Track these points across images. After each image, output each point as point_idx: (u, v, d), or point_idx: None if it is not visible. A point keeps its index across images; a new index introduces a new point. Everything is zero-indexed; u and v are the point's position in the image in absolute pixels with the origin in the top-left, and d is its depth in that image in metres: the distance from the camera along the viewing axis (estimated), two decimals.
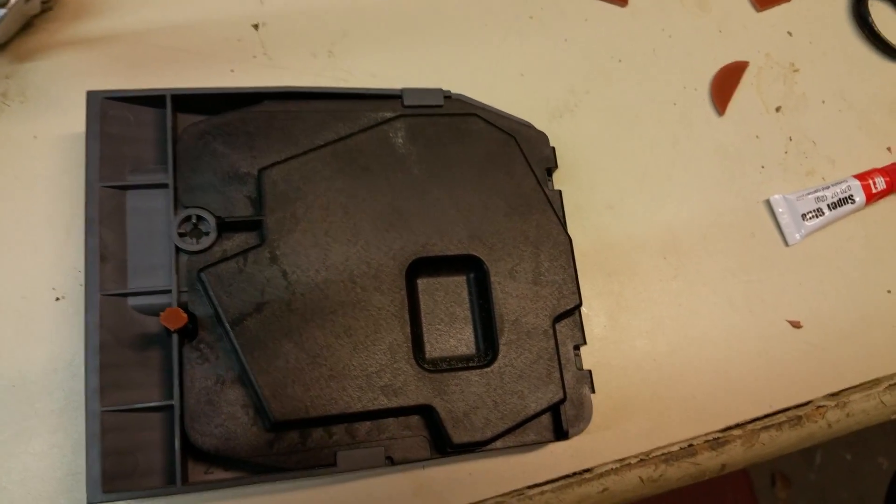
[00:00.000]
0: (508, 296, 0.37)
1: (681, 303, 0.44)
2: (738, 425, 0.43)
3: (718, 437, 0.43)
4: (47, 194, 0.40)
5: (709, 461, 0.42)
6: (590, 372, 0.39)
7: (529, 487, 0.40)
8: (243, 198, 0.37)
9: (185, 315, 0.33)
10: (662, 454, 0.42)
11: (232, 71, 0.43)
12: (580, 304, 0.38)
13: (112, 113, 0.37)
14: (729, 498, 1.21)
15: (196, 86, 0.40)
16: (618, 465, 0.41)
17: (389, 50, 0.45)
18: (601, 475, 0.41)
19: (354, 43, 0.45)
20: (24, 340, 0.37)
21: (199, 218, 0.36)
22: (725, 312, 0.45)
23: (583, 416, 0.38)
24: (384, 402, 0.35)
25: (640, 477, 0.41)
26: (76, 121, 0.40)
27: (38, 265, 0.39)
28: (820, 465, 1.31)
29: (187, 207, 0.36)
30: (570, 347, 0.39)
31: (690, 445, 0.42)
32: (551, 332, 0.37)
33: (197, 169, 0.37)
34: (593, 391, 0.38)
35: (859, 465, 1.30)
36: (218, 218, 0.36)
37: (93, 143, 0.36)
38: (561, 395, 0.36)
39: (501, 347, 0.37)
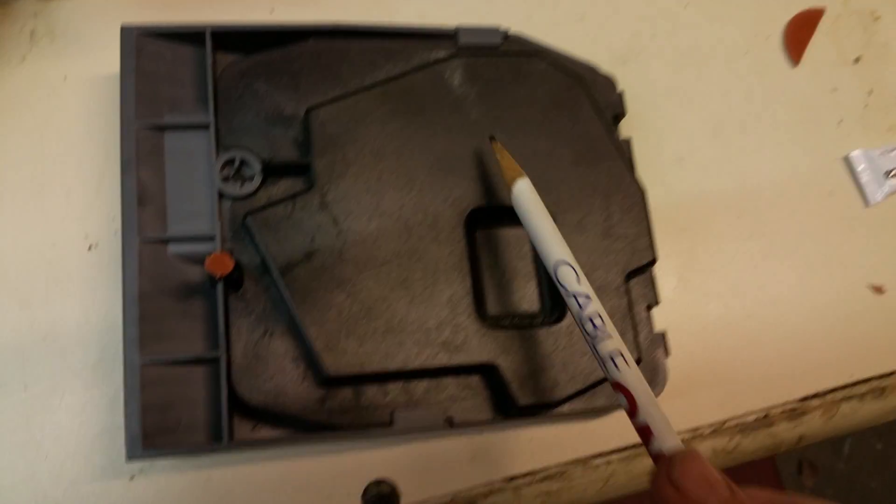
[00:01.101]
0: (577, 249, 0.34)
1: (756, 264, 0.41)
2: (816, 395, 0.40)
3: (796, 408, 0.40)
4: (79, 138, 0.37)
5: (786, 433, 0.39)
6: (664, 334, 0.36)
7: (594, 456, 0.37)
8: (289, 141, 0.34)
9: (231, 260, 0.30)
10: (737, 424, 0.39)
11: (272, 11, 0.40)
12: (655, 261, 0.35)
13: (148, 49, 0.34)
14: (754, 484, 1.18)
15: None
16: (690, 435, 0.38)
17: None
18: None
19: None
20: (56, 291, 0.35)
21: (243, 161, 0.34)
22: (803, 275, 0.41)
23: (657, 380, 0.35)
24: (445, 359, 0.32)
25: (713, 448, 0.38)
26: (108, 61, 0.38)
27: (70, 212, 0.36)
28: (849, 455, 1.27)
29: (230, 149, 0.34)
30: (643, 307, 0.36)
31: (766, 416, 0.39)
32: (624, 289, 0.34)
33: (239, 110, 0.34)
34: (668, 354, 0.35)
35: (890, 455, 1.26)
36: (263, 161, 0.33)
37: (128, 80, 0.34)
38: (635, 356, 0.33)
39: None
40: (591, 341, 0.26)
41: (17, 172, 0.36)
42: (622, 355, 0.25)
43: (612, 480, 0.37)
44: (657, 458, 0.23)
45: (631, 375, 0.25)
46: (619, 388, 0.25)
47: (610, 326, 0.26)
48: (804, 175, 0.43)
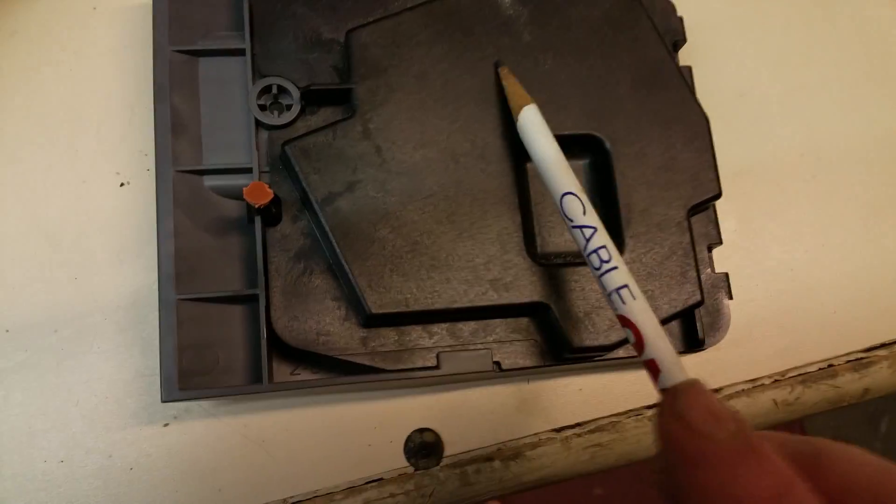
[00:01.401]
0: (635, 182, 0.32)
1: (820, 207, 0.38)
2: (883, 346, 0.38)
3: (861, 358, 0.37)
4: (109, 71, 0.35)
5: (850, 384, 0.37)
6: (726, 275, 0.33)
7: (649, 407, 0.35)
8: (328, 67, 0.32)
9: (270, 190, 0.28)
10: (799, 375, 0.37)
11: None
12: (719, 195, 0.33)
13: None
14: None
15: None
16: (749, 385, 0.36)
17: None
18: (730, 396, 0.36)
19: None
20: (87, 230, 0.34)
21: (280, 88, 0.32)
22: (870, 219, 0.39)
23: (719, 324, 0.33)
24: (494, 298, 0.30)
25: (773, 400, 0.36)
26: None
27: (101, 147, 0.35)
28: (886, 433, 1.24)
29: (266, 76, 0.32)
30: (704, 247, 0.33)
31: (830, 366, 0.37)
32: (686, 224, 0.32)
33: (275, 35, 0.32)
34: (731, 297, 0.33)
35: None
36: (301, 88, 0.31)
37: (161, 3, 0.32)
38: (698, 296, 0.31)
39: (628, 241, 0.31)
40: (597, 274, 0.25)
41: (46, 108, 0.35)
42: (629, 288, 0.24)
43: None
44: (664, 393, 0.21)
45: (638, 309, 0.24)
46: (626, 322, 0.24)
47: (617, 258, 0.25)
48: (871, 112, 0.40)
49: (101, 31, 0.36)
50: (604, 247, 0.25)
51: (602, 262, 0.25)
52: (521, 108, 0.30)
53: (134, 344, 0.33)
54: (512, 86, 0.31)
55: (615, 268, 0.25)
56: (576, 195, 0.26)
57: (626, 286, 0.24)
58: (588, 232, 0.25)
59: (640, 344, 0.23)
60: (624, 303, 0.24)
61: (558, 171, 0.27)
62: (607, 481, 1.09)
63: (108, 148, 0.35)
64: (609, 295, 0.25)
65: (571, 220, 0.26)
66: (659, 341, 0.23)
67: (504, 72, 0.32)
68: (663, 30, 0.35)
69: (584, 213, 0.26)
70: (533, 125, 0.29)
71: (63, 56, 0.35)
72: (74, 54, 0.36)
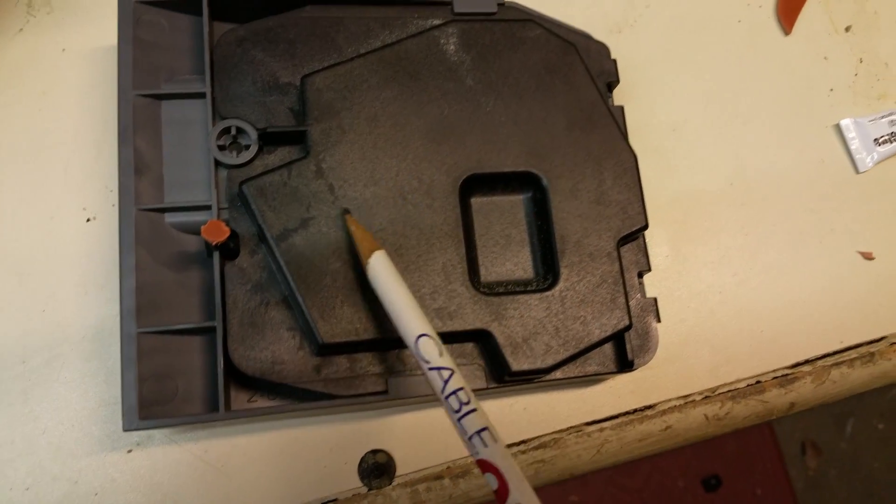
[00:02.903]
0: (569, 215, 0.35)
1: (748, 232, 0.41)
2: (807, 361, 0.41)
3: (787, 374, 0.40)
4: (77, 110, 0.37)
5: (777, 399, 0.40)
6: (655, 300, 0.36)
7: (588, 424, 0.37)
8: (285, 109, 0.34)
9: (227, 228, 0.30)
10: (729, 391, 0.39)
11: None
12: (646, 226, 0.35)
13: (145, 18, 0.34)
14: (758, 465, 1.19)
15: None
16: (681, 401, 0.39)
17: None
18: (664, 412, 0.38)
19: None
20: (54, 263, 0.35)
21: (239, 129, 0.34)
22: (794, 242, 0.42)
23: (648, 346, 0.35)
24: (438, 326, 0.32)
25: (704, 414, 0.39)
26: (106, 32, 0.38)
27: (68, 184, 0.36)
28: (851, 435, 1.28)
29: (226, 118, 0.34)
30: (634, 274, 0.36)
31: (758, 382, 0.40)
32: (616, 254, 0.35)
33: (235, 78, 0.34)
34: (659, 320, 0.36)
35: (892, 435, 1.27)
36: (259, 129, 0.33)
37: (125, 49, 0.34)
38: (627, 321, 0.34)
39: (562, 270, 0.34)
40: (456, 417, 0.24)
41: (16, 146, 0.36)
42: (490, 431, 0.24)
43: (605, 448, 0.37)
44: None
45: (501, 453, 0.24)
46: (488, 467, 0.23)
47: (476, 401, 0.25)
48: (795, 143, 0.43)
49: (69, 71, 0.38)
50: (462, 389, 0.25)
51: (462, 404, 0.24)
52: (370, 254, 0.29)
53: (99, 373, 0.34)
54: (359, 233, 0.31)
55: (474, 410, 0.24)
56: (431, 337, 0.26)
57: (486, 429, 0.24)
58: (445, 374, 0.25)
59: (503, 490, 0.23)
60: (486, 446, 0.24)
61: (411, 315, 0.27)
62: (582, 488, 1.11)
63: (75, 184, 0.36)
64: (469, 438, 0.24)
65: (428, 362, 0.26)
66: (524, 485, 0.23)
67: (349, 219, 0.32)
68: (598, 72, 0.38)
69: (441, 354, 0.26)
70: (383, 271, 0.29)
71: (33, 96, 0.37)
72: (43, 94, 0.37)
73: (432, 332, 0.27)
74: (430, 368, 0.26)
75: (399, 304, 0.28)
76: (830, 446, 1.27)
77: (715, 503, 1.16)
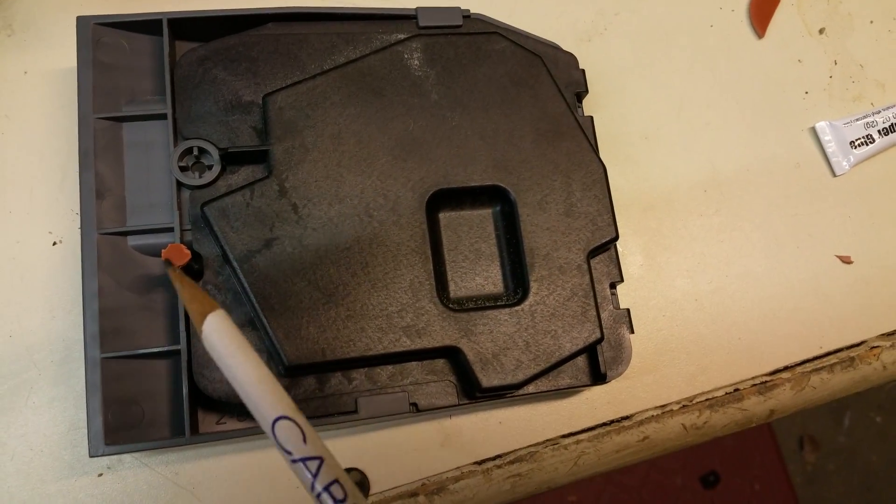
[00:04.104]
0: (538, 229, 0.34)
1: (723, 239, 0.41)
2: (786, 368, 0.40)
3: (766, 381, 0.40)
4: (40, 133, 0.37)
5: (756, 406, 0.39)
6: (628, 311, 0.36)
7: (564, 436, 0.37)
8: (248, 128, 0.34)
9: (188, 251, 0.30)
10: (706, 399, 0.39)
11: None
12: (616, 237, 0.35)
13: (105, 40, 0.34)
14: (756, 461, 1.19)
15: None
16: (659, 411, 0.38)
17: None
18: (641, 423, 0.38)
19: None
20: (21, 288, 0.35)
21: (201, 150, 0.33)
22: (770, 248, 0.41)
23: (621, 358, 0.35)
24: (407, 344, 0.32)
25: (682, 424, 0.38)
26: (68, 54, 0.38)
27: (33, 208, 0.36)
28: (849, 428, 1.28)
29: (188, 139, 0.33)
30: (606, 285, 0.36)
31: (736, 390, 0.39)
32: (586, 267, 0.34)
33: (197, 98, 0.34)
34: (632, 331, 0.35)
35: (890, 428, 1.27)
36: (221, 149, 0.33)
37: (85, 72, 0.33)
38: (598, 334, 0.34)
39: (532, 284, 0.34)
40: None
41: None
42: None
43: (583, 460, 0.37)
44: None
45: None
46: None
47: (358, 495, 0.21)
48: (770, 148, 0.43)
49: (31, 94, 0.37)
50: (336, 481, 0.20)
51: (337, 501, 0.20)
52: (203, 317, 0.23)
53: (67, 397, 0.34)
54: (188, 291, 0.24)
55: None
56: (291, 420, 0.21)
57: None
58: (314, 465, 0.20)
59: None
60: None
61: (264, 392, 0.21)
62: (580, 488, 1.11)
63: (40, 208, 0.36)
64: None
65: (290, 454, 0.21)
66: None
67: (174, 274, 0.26)
68: (566, 82, 0.37)
69: (306, 440, 0.21)
70: (223, 337, 0.22)
71: None
72: (6, 117, 0.37)
73: (293, 412, 0.21)
74: (294, 461, 0.20)
75: (247, 379, 0.21)
76: (828, 440, 1.27)
77: (713, 500, 1.16)
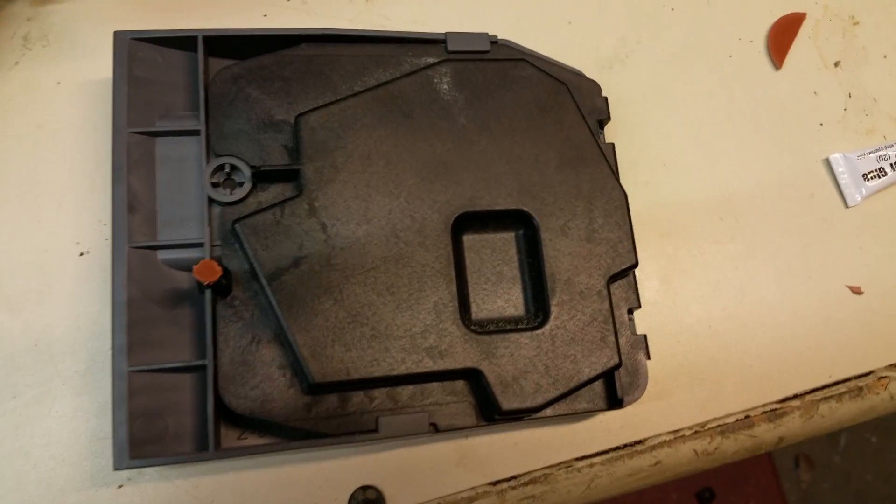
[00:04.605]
0: (560, 253, 0.35)
1: (737, 266, 0.42)
2: (796, 396, 0.41)
3: (776, 409, 0.40)
4: (71, 143, 0.37)
5: (766, 433, 0.40)
6: (645, 337, 0.36)
7: (578, 459, 0.38)
8: (279, 147, 0.35)
9: (219, 268, 0.30)
10: (718, 426, 0.40)
11: (265, 16, 0.41)
12: (636, 264, 0.36)
13: (140, 55, 0.35)
14: (751, 479, 1.19)
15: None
16: (671, 437, 0.39)
17: None
18: (654, 447, 0.39)
19: None
20: (47, 297, 0.35)
21: (233, 167, 0.34)
22: (783, 277, 0.42)
23: (638, 383, 0.36)
24: (429, 365, 0.32)
25: (694, 450, 0.39)
26: (102, 66, 0.38)
27: (62, 218, 0.36)
28: (845, 448, 1.28)
29: (220, 156, 0.34)
30: (624, 311, 0.36)
31: (747, 417, 0.40)
32: (606, 292, 0.35)
33: (230, 115, 0.35)
34: (649, 357, 0.36)
35: (885, 448, 1.28)
36: (253, 167, 0.34)
37: (120, 86, 0.34)
38: (616, 360, 0.34)
39: (553, 308, 0.34)
40: None
41: (10, 178, 0.37)
42: None
43: (596, 483, 0.37)
44: None
45: None
46: None
47: None
48: (785, 178, 0.44)
49: (64, 105, 0.38)
50: None
51: None
52: None
53: (90, 408, 0.34)
54: None
55: None
56: None
57: None
58: None
59: None
60: None
61: None
62: None
63: (68, 219, 0.36)
64: None
65: None
66: None
67: None
68: (589, 109, 0.38)
69: None
70: None
71: (28, 128, 0.37)
72: (38, 127, 0.37)
73: None
74: None
75: None
76: (824, 460, 1.27)
77: None
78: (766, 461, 1.22)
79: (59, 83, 0.38)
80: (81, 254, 0.36)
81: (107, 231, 0.36)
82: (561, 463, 0.37)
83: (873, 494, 1.26)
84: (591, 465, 0.38)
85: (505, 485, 0.37)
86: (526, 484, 0.37)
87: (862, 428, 1.29)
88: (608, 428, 0.38)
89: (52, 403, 0.34)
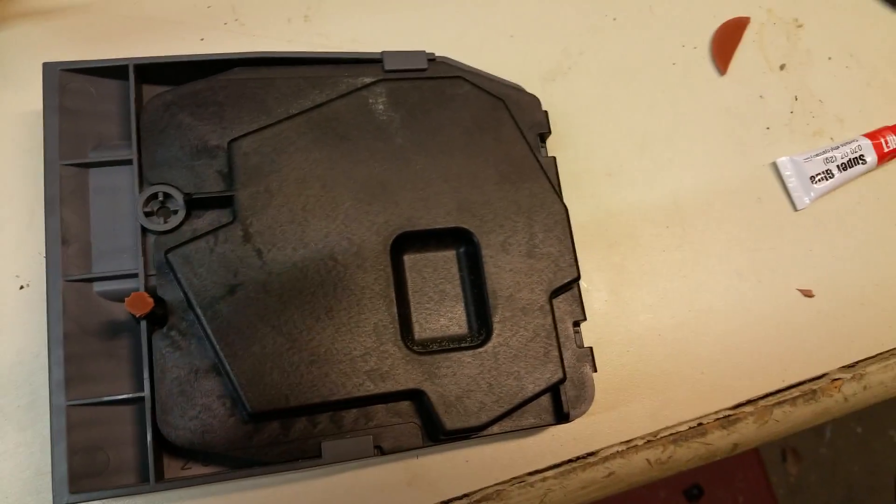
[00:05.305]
0: (501, 270, 0.35)
1: (686, 274, 0.42)
2: (749, 402, 0.41)
3: (729, 415, 0.40)
4: (7, 176, 0.37)
5: (720, 440, 0.40)
6: (591, 349, 0.36)
7: (530, 474, 0.38)
8: (213, 173, 0.35)
9: (151, 300, 0.30)
10: (671, 434, 0.39)
11: (202, 39, 0.40)
12: (578, 278, 0.36)
13: (72, 86, 0.34)
14: (739, 474, 1.20)
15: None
16: (623, 447, 0.39)
17: (370, 12, 0.42)
18: (606, 458, 0.38)
19: (332, 6, 0.42)
20: None
21: (166, 195, 0.34)
22: (733, 283, 0.42)
23: (584, 396, 0.36)
24: (371, 388, 0.32)
25: (647, 459, 0.39)
26: (36, 97, 0.38)
27: (1, 251, 0.36)
28: (830, 440, 1.29)
29: (153, 184, 0.34)
30: (570, 324, 0.36)
31: (700, 424, 0.40)
32: (548, 307, 0.35)
33: (162, 143, 0.34)
34: (595, 370, 0.36)
35: (870, 439, 1.29)
36: (186, 194, 0.33)
37: (51, 118, 0.34)
38: (560, 374, 0.34)
39: (495, 325, 0.34)
40: None
41: None
42: None
43: (549, 497, 0.37)
44: None
45: None
46: None
47: None
48: (732, 183, 0.44)
49: None
50: None
51: None
52: None
53: (34, 442, 0.34)
54: None
55: None
56: None
57: None
58: None
59: None
60: None
61: None
62: None
63: (8, 251, 0.36)
64: None
65: None
66: None
67: None
68: (529, 124, 0.38)
69: None
70: None
71: None
72: None
73: None
74: None
75: None
76: (810, 452, 1.28)
77: None
78: (754, 456, 1.22)
79: None
80: (21, 287, 0.36)
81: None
82: (513, 478, 0.37)
83: (860, 485, 1.26)
84: (544, 479, 0.38)
85: (458, 503, 0.37)
86: (479, 501, 0.37)
87: (847, 419, 1.30)
88: (560, 441, 0.38)
89: None
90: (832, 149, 0.45)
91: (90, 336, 0.33)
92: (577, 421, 0.38)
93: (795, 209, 0.44)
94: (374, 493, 0.36)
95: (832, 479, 1.27)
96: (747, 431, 0.40)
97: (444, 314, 0.35)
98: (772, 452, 1.26)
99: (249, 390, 0.31)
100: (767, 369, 0.41)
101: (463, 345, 0.35)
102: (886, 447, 1.28)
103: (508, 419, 0.35)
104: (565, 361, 0.35)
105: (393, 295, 0.34)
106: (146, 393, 0.31)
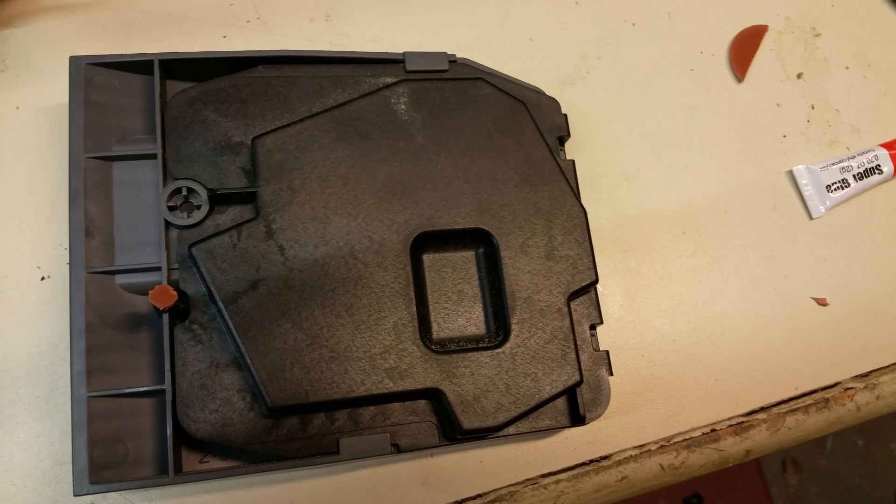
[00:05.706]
0: (520, 272, 0.35)
1: (701, 280, 0.42)
2: (762, 409, 0.41)
3: (742, 422, 0.41)
4: (31, 168, 0.37)
5: (732, 447, 0.40)
6: (607, 353, 0.36)
7: (544, 476, 0.38)
8: (237, 169, 0.35)
9: (174, 293, 0.30)
10: (684, 440, 0.40)
11: (224, 37, 0.41)
12: (596, 281, 0.36)
13: (97, 80, 0.35)
14: (739, 484, 1.20)
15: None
16: (637, 451, 0.39)
17: (390, 13, 0.43)
18: (619, 462, 0.39)
19: (353, 6, 0.43)
20: (8, 322, 0.35)
21: (190, 190, 0.34)
22: (747, 290, 0.42)
23: (600, 399, 0.36)
24: (389, 386, 0.32)
25: (660, 464, 0.39)
26: (60, 90, 0.38)
27: (22, 243, 0.36)
28: (831, 451, 1.29)
29: (177, 179, 0.34)
30: (586, 327, 0.36)
31: (713, 430, 0.40)
32: (566, 310, 0.35)
33: (187, 138, 0.35)
34: (611, 373, 0.36)
35: (872, 451, 1.28)
36: (210, 190, 0.34)
37: (77, 112, 0.34)
38: (577, 377, 0.34)
39: (513, 327, 0.34)
40: None
41: None
42: None
43: (562, 499, 0.38)
44: None
45: None
46: None
47: None
48: (749, 190, 0.44)
49: (23, 129, 0.38)
50: None
51: None
52: None
53: (53, 433, 0.34)
54: None
55: None
56: None
57: None
58: None
59: None
60: None
61: None
62: None
63: (29, 243, 0.36)
64: None
65: None
66: None
67: None
68: (549, 127, 0.38)
69: None
70: None
71: None
72: None
73: None
74: None
75: None
76: (811, 463, 1.28)
77: None
78: (754, 466, 1.22)
79: (17, 108, 0.38)
80: (42, 278, 0.36)
81: (67, 255, 0.36)
82: (527, 480, 0.37)
83: (860, 497, 1.26)
84: (558, 482, 0.38)
85: (471, 503, 0.37)
86: (492, 502, 0.37)
87: (848, 431, 1.30)
88: (574, 444, 0.38)
89: (13, 429, 0.34)
90: (848, 158, 0.45)
91: (111, 328, 0.33)
92: (591, 424, 0.38)
93: (811, 217, 0.45)
94: (389, 491, 0.36)
95: (833, 490, 1.26)
96: (760, 439, 0.41)
97: (462, 314, 0.36)
98: (772, 463, 1.26)
99: (270, 385, 0.31)
100: (781, 377, 0.41)
101: (481, 345, 0.35)
102: (888, 459, 1.28)
103: (524, 420, 0.35)
104: (582, 364, 0.35)
105: (412, 294, 0.34)
106: (167, 385, 0.31)
